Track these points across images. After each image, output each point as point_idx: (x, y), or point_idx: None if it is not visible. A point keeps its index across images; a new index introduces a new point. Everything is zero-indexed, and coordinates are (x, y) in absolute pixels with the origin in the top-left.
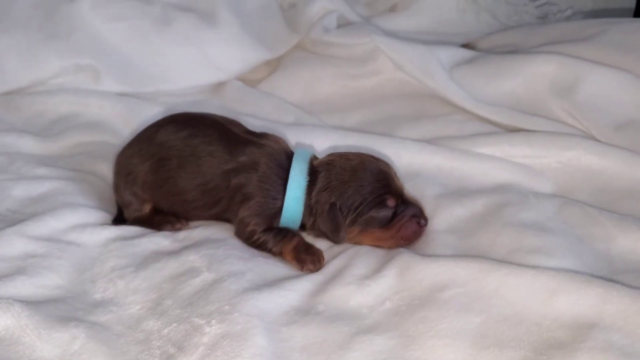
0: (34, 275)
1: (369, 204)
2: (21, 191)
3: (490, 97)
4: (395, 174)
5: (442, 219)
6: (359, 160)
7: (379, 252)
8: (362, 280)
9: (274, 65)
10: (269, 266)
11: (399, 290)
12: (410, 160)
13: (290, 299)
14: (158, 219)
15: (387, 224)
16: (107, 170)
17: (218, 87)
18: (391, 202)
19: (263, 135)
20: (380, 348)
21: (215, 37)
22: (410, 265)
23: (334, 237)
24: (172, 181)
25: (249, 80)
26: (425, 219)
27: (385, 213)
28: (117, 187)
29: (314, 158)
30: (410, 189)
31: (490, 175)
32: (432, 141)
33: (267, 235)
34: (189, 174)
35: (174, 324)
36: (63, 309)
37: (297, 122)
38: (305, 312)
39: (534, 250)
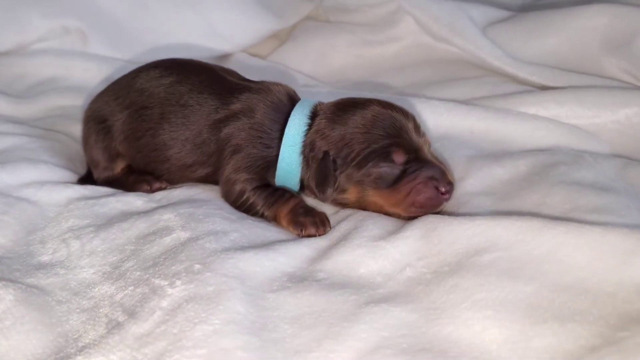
0: None
1: (367, 156)
2: None
3: (530, 57)
4: (415, 127)
5: (477, 179)
6: (368, 106)
7: None
8: (376, 242)
9: (282, 40)
10: (260, 229)
11: (423, 255)
12: (437, 122)
13: (282, 263)
14: (133, 178)
15: (393, 184)
16: None
17: (221, 59)
18: (398, 157)
19: (261, 82)
20: (398, 321)
21: (219, 3)
22: (438, 225)
23: (319, 191)
24: (152, 134)
25: (255, 55)
26: (449, 184)
27: (389, 169)
28: (85, 141)
29: (320, 103)
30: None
31: (534, 137)
32: (463, 102)
33: (258, 196)
34: (173, 127)
35: (130, 288)
36: None
37: (309, 85)
38: (300, 279)
39: (596, 210)
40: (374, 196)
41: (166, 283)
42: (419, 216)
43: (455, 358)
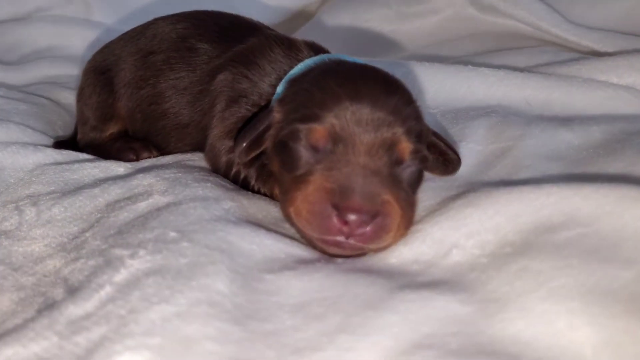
0: None
1: (291, 122)
2: None
3: (595, 24)
4: (376, 119)
5: (539, 140)
6: (354, 70)
7: (439, 182)
8: None
9: (309, 17)
10: (265, 202)
11: (474, 231)
12: (487, 93)
13: (288, 244)
14: (119, 144)
15: (291, 168)
16: (72, 99)
17: None
18: (316, 138)
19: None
20: (444, 314)
21: None
22: (493, 194)
23: (235, 144)
24: (153, 83)
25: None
26: (351, 211)
27: (300, 147)
28: (80, 93)
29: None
30: (484, 126)
31: (607, 107)
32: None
33: (251, 168)
34: (174, 73)
35: (82, 260)
36: None
37: None
38: (311, 261)
39: None
40: (280, 176)
41: (127, 253)
42: (315, 245)
43: None
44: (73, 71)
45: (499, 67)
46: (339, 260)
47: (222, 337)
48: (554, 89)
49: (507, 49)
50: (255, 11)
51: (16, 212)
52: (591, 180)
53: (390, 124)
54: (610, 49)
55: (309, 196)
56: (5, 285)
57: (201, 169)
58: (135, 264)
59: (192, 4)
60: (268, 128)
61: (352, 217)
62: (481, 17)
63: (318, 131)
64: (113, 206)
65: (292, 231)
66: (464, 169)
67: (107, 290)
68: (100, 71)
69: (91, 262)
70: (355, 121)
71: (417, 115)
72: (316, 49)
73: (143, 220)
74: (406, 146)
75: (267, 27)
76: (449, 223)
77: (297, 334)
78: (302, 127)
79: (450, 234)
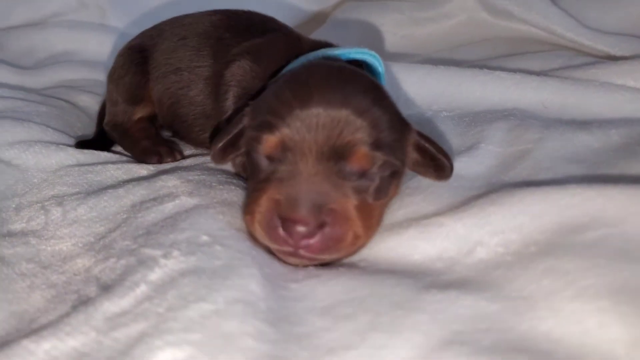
0: None
1: (252, 130)
2: None
3: (611, 28)
4: (337, 128)
5: (557, 142)
6: (319, 75)
7: (459, 182)
8: (430, 219)
9: (321, 22)
10: None
11: (498, 229)
12: (503, 97)
13: None
14: (146, 144)
15: (253, 176)
16: (90, 102)
17: None
18: (268, 147)
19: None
20: (473, 312)
21: None
22: (516, 194)
23: (211, 145)
24: (184, 67)
25: None
26: (289, 221)
27: (256, 155)
28: (112, 73)
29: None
30: (502, 129)
31: (626, 111)
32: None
33: None
34: (202, 61)
35: (112, 260)
36: None
37: None
38: (335, 266)
39: None
40: (249, 182)
41: (160, 253)
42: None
43: None
44: (89, 75)
45: (514, 71)
46: (362, 263)
47: (260, 336)
48: (570, 93)
49: (520, 53)
50: (268, 13)
51: (42, 211)
52: (614, 181)
53: (344, 130)
54: (626, 53)
55: (260, 206)
56: (36, 282)
57: (223, 171)
58: (169, 264)
59: (207, 8)
60: (242, 132)
61: (294, 228)
62: (495, 21)
63: (270, 141)
64: (139, 207)
65: None
66: (484, 170)
67: (143, 288)
68: (137, 50)
69: (122, 262)
70: (306, 129)
71: (383, 119)
72: (317, 46)
73: (172, 222)
74: (362, 151)
75: (293, 30)
76: (472, 220)
77: (328, 334)
78: (257, 136)
79: (474, 231)
